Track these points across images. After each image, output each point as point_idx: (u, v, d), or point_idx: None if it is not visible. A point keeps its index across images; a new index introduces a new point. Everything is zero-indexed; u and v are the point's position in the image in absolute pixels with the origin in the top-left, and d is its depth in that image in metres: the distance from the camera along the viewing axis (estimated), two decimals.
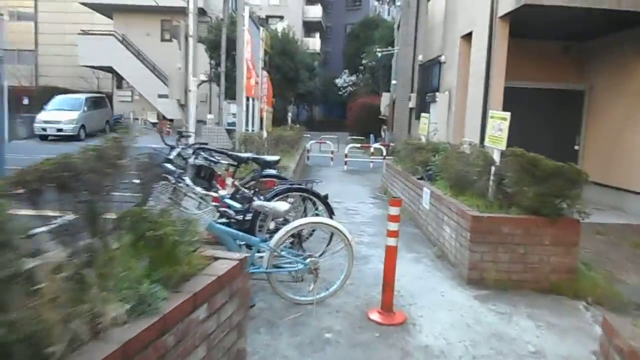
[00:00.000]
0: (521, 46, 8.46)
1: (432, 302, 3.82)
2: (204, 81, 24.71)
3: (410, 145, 7.67)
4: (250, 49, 10.57)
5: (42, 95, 22.61)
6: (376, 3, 39.91)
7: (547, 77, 9.54)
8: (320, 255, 3.62)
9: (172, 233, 2.01)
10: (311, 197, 4.20)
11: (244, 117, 14.41)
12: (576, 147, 9.81)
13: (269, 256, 3.35)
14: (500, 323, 3.49)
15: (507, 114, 4.75)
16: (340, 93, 34.61)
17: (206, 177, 4.62)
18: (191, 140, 5.97)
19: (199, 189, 3.10)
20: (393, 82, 21.84)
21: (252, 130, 13.18)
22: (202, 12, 25.71)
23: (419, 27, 14.10)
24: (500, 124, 4.84)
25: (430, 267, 4.73)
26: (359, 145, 15.37)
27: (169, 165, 3.08)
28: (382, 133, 20.71)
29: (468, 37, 9.57)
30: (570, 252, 4.30)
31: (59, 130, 19.27)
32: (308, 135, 22.09)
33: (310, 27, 44.07)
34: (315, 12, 43.50)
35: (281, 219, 4.18)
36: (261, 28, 12.40)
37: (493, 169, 4.81)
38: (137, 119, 26.17)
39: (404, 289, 4.05)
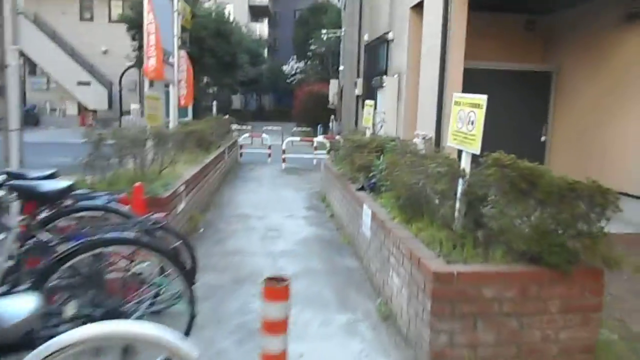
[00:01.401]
0: (479, 20, 6.88)
1: None
2: (130, 66, 21.96)
3: (349, 143, 5.90)
4: (153, 19, 8.43)
5: None
6: None
7: (508, 56, 8.03)
8: None
9: None
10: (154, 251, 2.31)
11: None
12: (543, 139, 8.41)
13: None
14: None
15: (482, 98, 3.04)
16: (288, 81, 32.59)
17: None
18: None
19: None
20: (340, 67, 20.11)
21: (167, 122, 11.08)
22: None
23: (365, 1, 12.36)
24: (470, 113, 3.14)
25: (371, 345, 2.97)
26: (298, 138, 13.49)
27: None
28: (330, 124, 18.99)
29: (419, 7, 7.90)
30: (589, 321, 2.67)
31: None
32: (247, 127, 20.03)
33: (257, 12, 41.82)
34: None
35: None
36: None
37: (462, 183, 3.11)
38: (54, 109, 23.08)
39: None
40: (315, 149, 12.37)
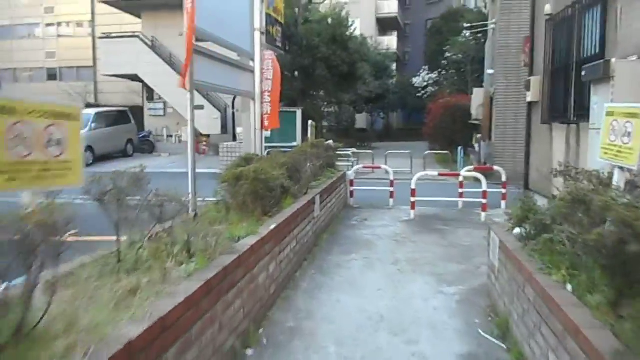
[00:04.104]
0: None
1: None
2: None
3: (584, 216, 1.81)
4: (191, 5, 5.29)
5: None
6: None
7: None
8: None
9: None
10: None
11: (251, 129, 9.24)
12: None
13: None
14: None
15: None
16: (419, 95, 28.41)
17: None
18: None
19: None
20: (488, 71, 15.53)
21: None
22: None
23: None
24: None
25: None
26: (435, 173, 9.37)
27: None
28: (476, 145, 14.45)
29: None
30: None
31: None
32: (370, 152, 16.52)
33: (386, 25, 39.03)
34: (391, 7, 38.63)
35: None
36: None
37: None
38: (170, 135, 22.26)
39: None
40: (461, 185, 8.22)
